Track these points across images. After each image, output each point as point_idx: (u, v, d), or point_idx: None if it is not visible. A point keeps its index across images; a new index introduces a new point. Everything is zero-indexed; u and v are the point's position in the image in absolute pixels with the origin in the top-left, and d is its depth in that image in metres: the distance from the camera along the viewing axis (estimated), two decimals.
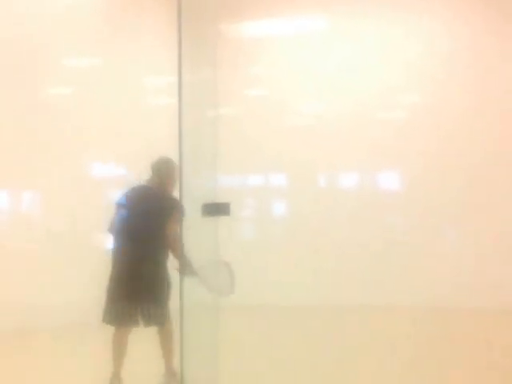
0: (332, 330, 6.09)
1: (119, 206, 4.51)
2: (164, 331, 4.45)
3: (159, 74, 7.34)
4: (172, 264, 4.29)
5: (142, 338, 4.40)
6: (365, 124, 7.57)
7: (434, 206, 7.37)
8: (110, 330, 4.31)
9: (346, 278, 7.28)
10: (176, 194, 4.25)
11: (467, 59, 7.39)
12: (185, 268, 4.06)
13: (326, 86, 7.69)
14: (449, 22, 7.37)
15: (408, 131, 7.47)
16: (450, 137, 7.35)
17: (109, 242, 4.55)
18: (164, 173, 4.46)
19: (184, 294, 3.79)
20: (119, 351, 4.32)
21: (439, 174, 7.36)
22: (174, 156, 3.94)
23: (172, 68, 3.76)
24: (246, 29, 7.92)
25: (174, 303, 4.20)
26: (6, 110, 6.22)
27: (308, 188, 7.81)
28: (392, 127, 7.55)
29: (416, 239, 7.39)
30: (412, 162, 7.46)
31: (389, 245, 7.37)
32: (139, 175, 7.19)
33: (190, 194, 4.28)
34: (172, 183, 4.42)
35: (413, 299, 6.91)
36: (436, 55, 7.38)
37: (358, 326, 6.23)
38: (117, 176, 7.51)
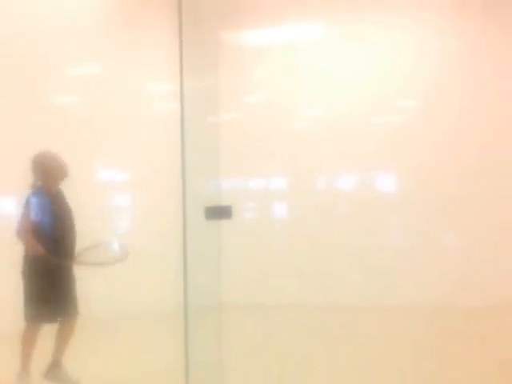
0: (332, 330, 6.14)
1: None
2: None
3: (161, 81, 7.42)
4: None
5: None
6: (364, 128, 7.66)
7: (432, 208, 7.44)
8: None
9: (345, 279, 7.36)
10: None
11: (463, 64, 7.47)
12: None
13: (325, 92, 7.79)
14: (444, 27, 7.45)
15: (406, 135, 7.55)
16: (447, 141, 7.43)
17: None
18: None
19: (188, 293, 3.86)
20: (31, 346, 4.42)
21: (438, 177, 7.43)
22: (176, 161, 4.00)
23: (174, 75, 3.84)
24: (246, 36, 8.02)
25: (178, 303, 4.27)
26: (9, 118, 6.26)
27: (308, 191, 7.90)
28: (390, 131, 7.64)
29: (415, 240, 7.47)
30: (410, 166, 7.54)
31: (388, 246, 7.46)
32: (143, 180, 7.36)
33: (193, 197, 4.38)
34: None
35: (413, 300, 6.98)
36: (432, 60, 7.46)
37: (357, 327, 6.27)
38: (120, 181, 7.61)
